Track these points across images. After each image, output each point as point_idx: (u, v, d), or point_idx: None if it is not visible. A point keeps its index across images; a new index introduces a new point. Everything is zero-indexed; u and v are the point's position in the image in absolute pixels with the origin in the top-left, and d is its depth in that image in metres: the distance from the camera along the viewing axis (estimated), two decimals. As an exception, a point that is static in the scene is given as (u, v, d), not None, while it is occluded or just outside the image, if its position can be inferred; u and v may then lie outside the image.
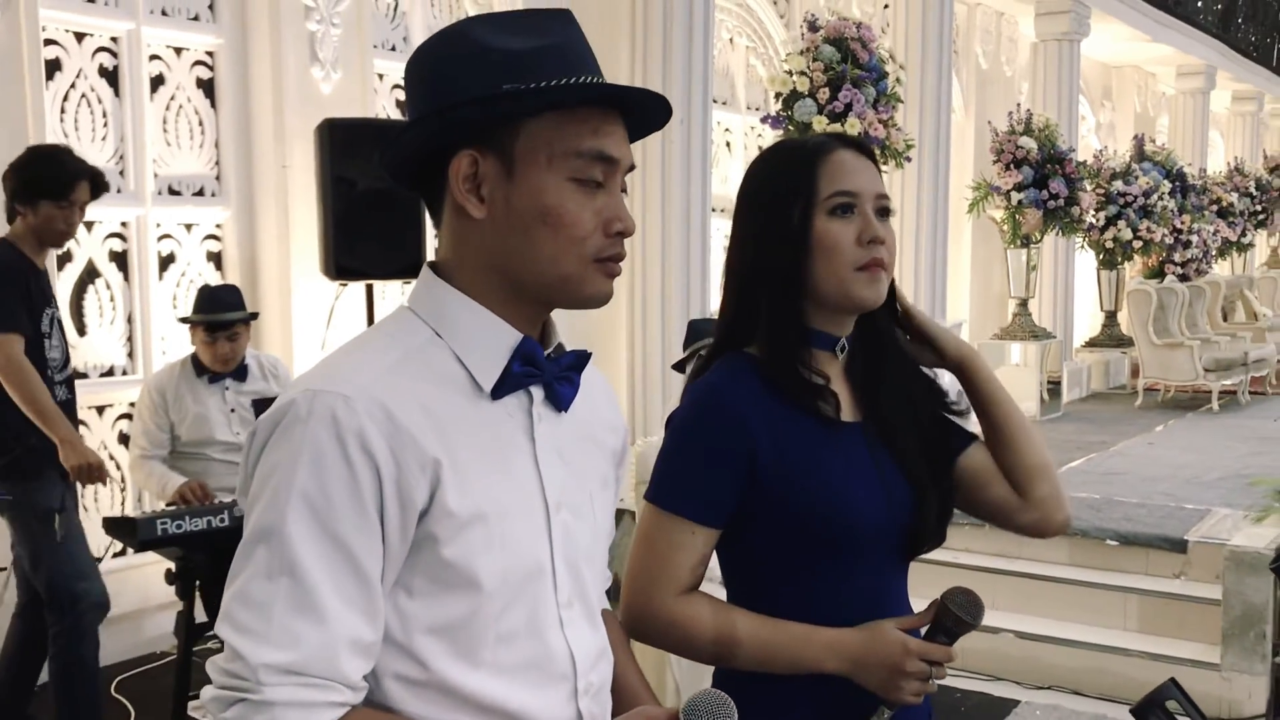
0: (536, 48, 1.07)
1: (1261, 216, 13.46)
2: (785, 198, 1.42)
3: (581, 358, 1.16)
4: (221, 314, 3.68)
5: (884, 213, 1.44)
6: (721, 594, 1.47)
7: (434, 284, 1.12)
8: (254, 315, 3.87)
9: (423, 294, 1.12)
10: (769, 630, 1.39)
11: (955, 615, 1.37)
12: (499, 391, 1.09)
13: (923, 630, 1.41)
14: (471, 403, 1.08)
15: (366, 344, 1.10)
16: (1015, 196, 7.88)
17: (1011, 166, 7.89)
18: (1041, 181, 7.91)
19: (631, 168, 1.14)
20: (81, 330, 4.23)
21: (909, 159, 6.30)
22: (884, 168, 6.25)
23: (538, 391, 1.13)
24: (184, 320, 3.82)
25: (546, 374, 1.12)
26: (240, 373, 3.78)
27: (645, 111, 1.14)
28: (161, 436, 3.72)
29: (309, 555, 0.98)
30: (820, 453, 1.40)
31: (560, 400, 1.14)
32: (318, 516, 0.98)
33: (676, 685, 3.00)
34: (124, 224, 4.33)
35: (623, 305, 5.41)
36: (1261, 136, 15.85)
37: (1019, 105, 8.60)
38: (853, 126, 5.88)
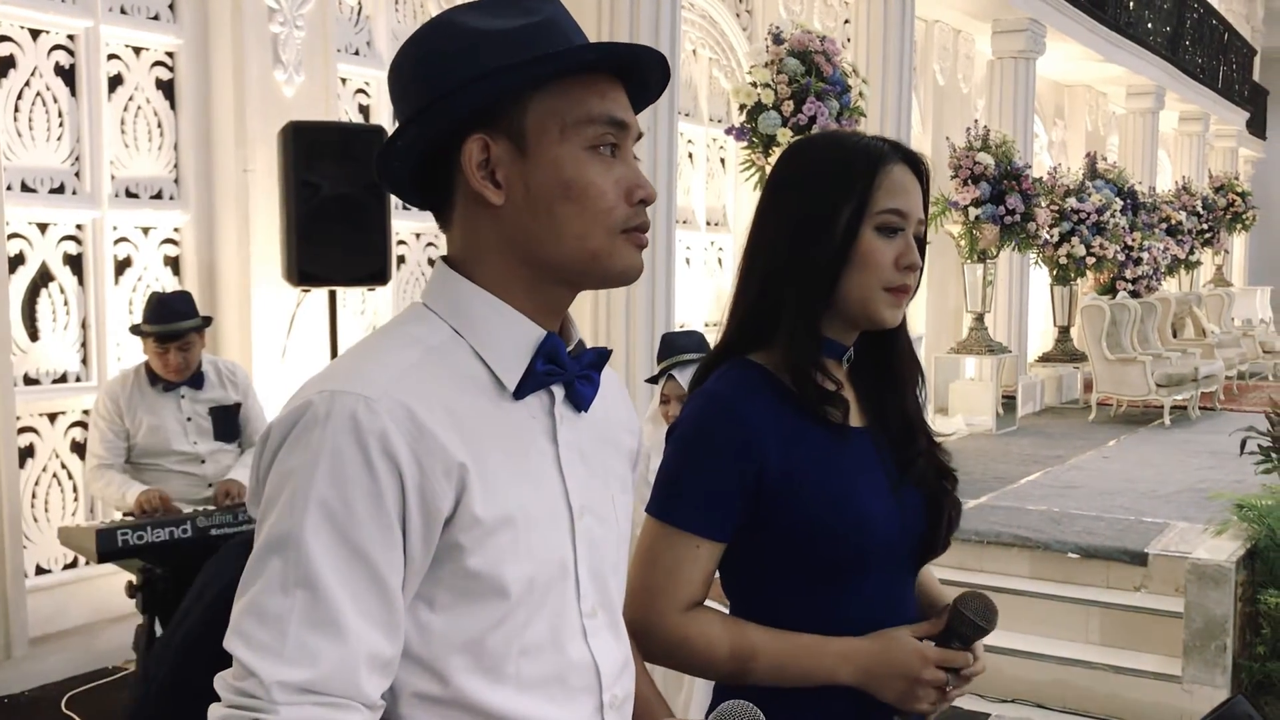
0: (526, 25, 1.03)
1: (1208, 235, 13.71)
2: (837, 199, 1.36)
3: (602, 355, 1.12)
4: (172, 323, 3.57)
5: (919, 238, 1.41)
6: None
7: (451, 279, 1.07)
8: (207, 320, 3.76)
9: (439, 290, 1.07)
10: (780, 642, 1.35)
11: (970, 620, 1.35)
12: (522, 391, 1.05)
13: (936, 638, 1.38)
14: (494, 403, 1.03)
15: (384, 342, 1.04)
16: (973, 212, 7.95)
17: (969, 182, 7.96)
18: (999, 197, 7.98)
19: (640, 135, 1.09)
20: (34, 335, 4.11)
21: (871, 173, 6.31)
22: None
23: (559, 391, 1.08)
24: (134, 330, 3.71)
25: (569, 372, 1.07)
26: (196, 380, 3.68)
27: (644, 76, 1.09)
28: (119, 445, 3.62)
29: (327, 567, 0.92)
30: (831, 462, 1.36)
31: (581, 400, 1.09)
32: (337, 526, 0.93)
33: (688, 695, 2.93)
34: (79, 226, 4.23)
35: (586, 318, 5.36)
36: (1206, 157, 16.14)
37: (976, 121, 8.68)
38: (816, 139, 5.89)
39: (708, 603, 1.39)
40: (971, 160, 7.99)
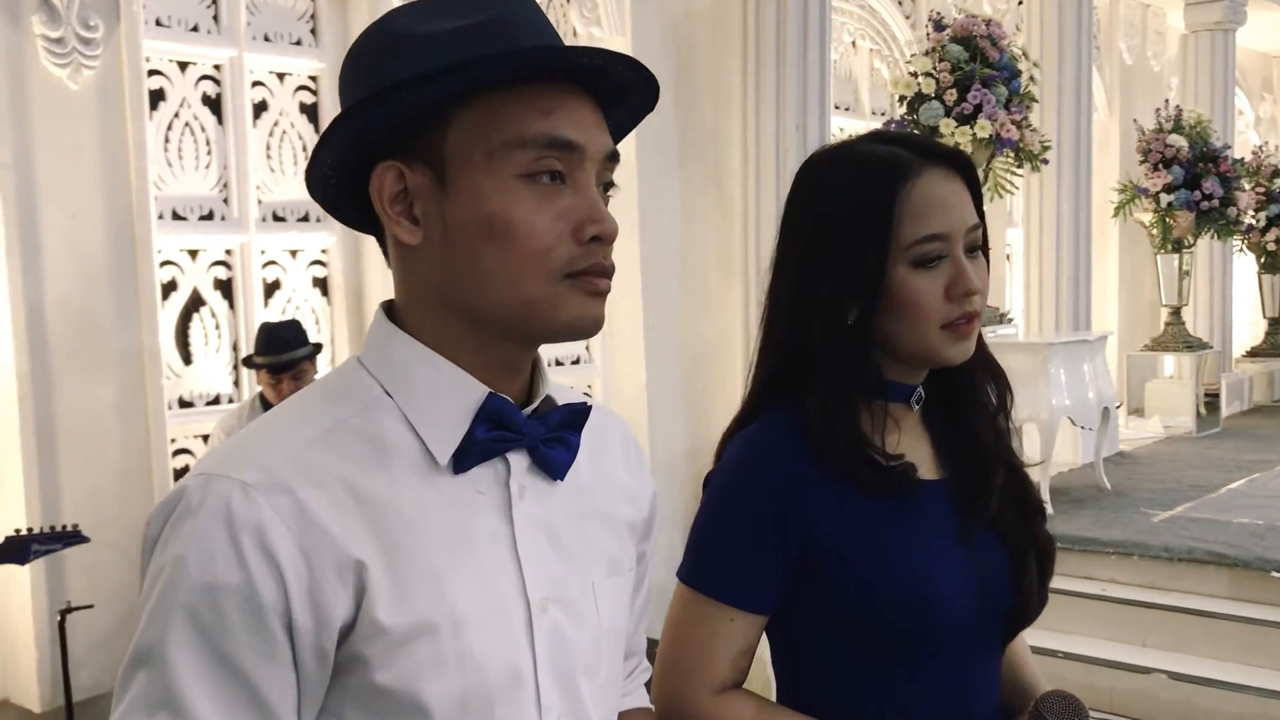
0: (465, 26, 0.86)
1: None
2: (855, 239, 1.14)
3: (576, 413, 0.94)
4: (282, 354, 3.58)
5: (975, 247, 1.18)
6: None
7: (384, 330, 0.92)
8: (318, 348, 3.77)
9: (372, 342, 0.92)
10: None
11: None
12: (461, 463, 0.88)
13: None
14: (425, 480, 0.87)
15: (293, 410, 0.90)
16: (1164, 198, 7.40)
17: (1160, 166, 7.41)
18: (1193, 181, 7.40)
19: (613, 157, 0.90)
20: (187, 359, 4.22)
21: (1045, 161, 5.93)
22: (1019, 171, 5.89)
23: (518, 459, 0.91)
24: (246, 362, 3.75)
25: (527, 437, 0.90)
26: None
27: (620, 86, 0.90)
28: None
29: (194, 686, 0.79)
30: (896, 525, 1.15)
31: (553, 467, 0.92)
32: (206, 637, 0.79)
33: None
34: (228, 251, 4.32)
35: (738, 327, 5.18)
36: None
37: (1167, 101, 8.08)
38: (983, 129, 5.57)
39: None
40: (1162, 143, 7.43)
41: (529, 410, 0.93)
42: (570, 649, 0.92)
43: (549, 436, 0.92)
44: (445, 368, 0.89)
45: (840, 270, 1.15)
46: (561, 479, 0.93)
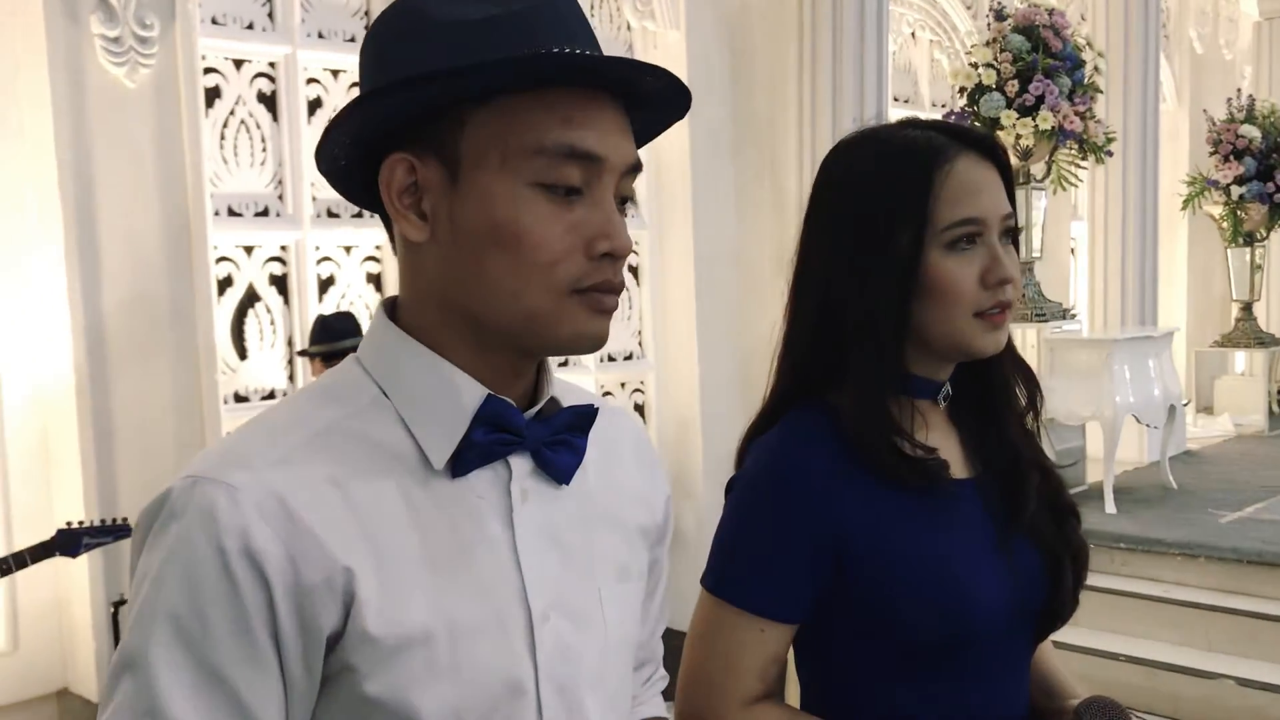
0: (495, 16, 0.83)
1: None
2: (888, 221, 1.12)
3: (583, 415, 0.91)
4: (335, 343, 3.63)
5: (1009, 235, 1.14)
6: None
7: (384, 329, 0.89)
8: None
9: (371, 341, 0.90)
10: None
11: None
12: (460, 467, 0.85)
13: None
14: (421, 484, 0.84)
15: (285, 411, 0.87)
16: (1236, 191, 7.20)
17: (1231, 158, 7.22)
18: (1266, 173, 7.20)
19: (634, 168, 0.86)
20: (242, 354, 4.26)
21: (1110, 153, 5.79)
22: (1083, 164, 5.77)
23: (521, 463, 0.88)
24: (301, 353, 3.80)
25: (530, 440, 0.87)
26: None
27: (650, 94, 0.86)
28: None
29: (177, 695, 0.76)
30: (928, 527, 1.12)
31: (558, 471, 0.89)
32: (190, 645, 0.77)
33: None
34: (283, 248, 4.35)
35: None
36: None
37: (1239, 91, 7.87)
38: (1045, 120, 5.46)
39: None
40: (1233, 134, 7.24)
41: (532, 412, 0.90)
42: (574, 659, 0.88)
43: (553, 439, 0.89)
44: (443, 369, 0.86)
45: (874, 254, 1.12)
46: (567, 483, 0.90)
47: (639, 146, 0.90)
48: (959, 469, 1.16)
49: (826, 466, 1.12)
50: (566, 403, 0.93)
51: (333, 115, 0.86)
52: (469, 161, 0.83)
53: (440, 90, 0.82)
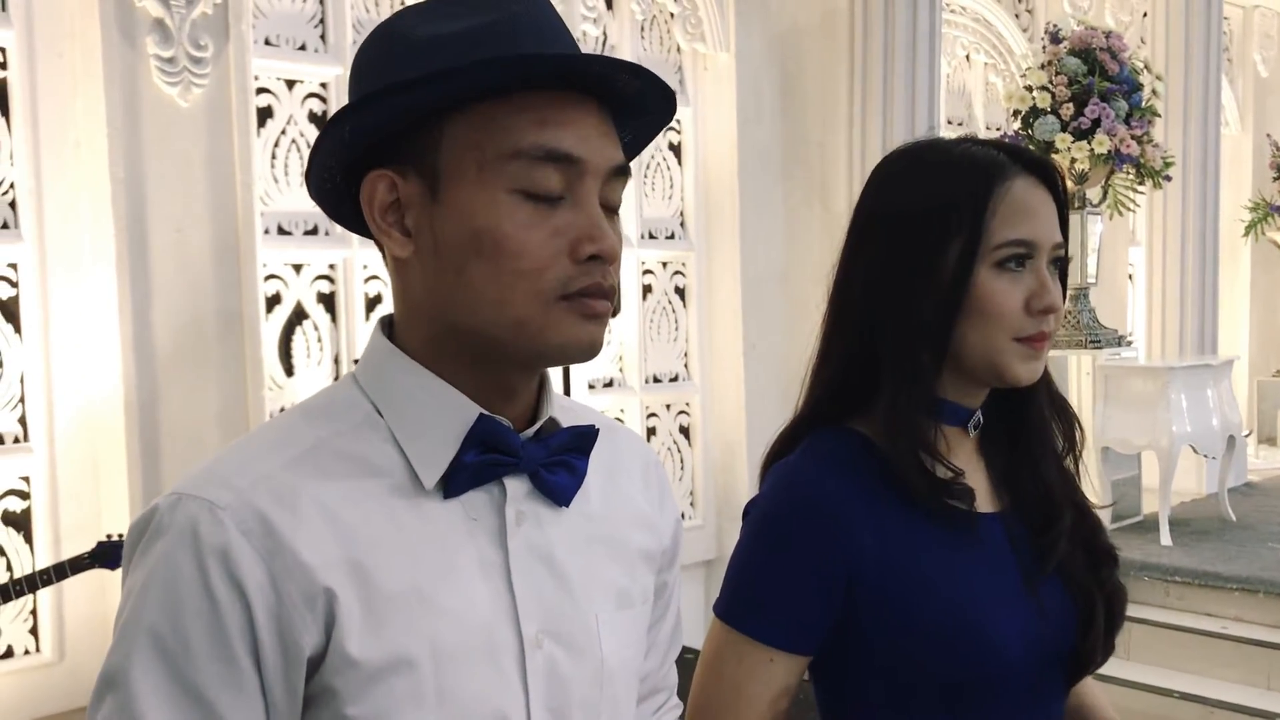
0: (471, 27, 0.82)
1: None
2: (941, 234, 1.09)
3: (582, 436, 0.88)
4: None
5: (1057, 264, 1.11)
6: None
7: (379, 346, 0.88)
8: None
9: (367, 358, 0.89)
10: None
11: None
12: (452, 488, 0.83)
13: None
14: (410, 504, 0.83)
15: (275, 428, 0.87)
16: (1300, 216, 7.05)
17: (1295, 183, 7.07)
18: (1332, 199, 7.05)
19: (621, 171, 0.84)
20: (289, 371, 4.30)
21: (1168, 178, 5.69)
22: (1140, 188, 5.67)
23: (517, 484, 0.86)
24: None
25: (526, 461, 0.85)
26: None
27: (630, 95, 0.84)
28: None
29: (156, 713, 0.76)
30: (949, 563, 1.08)
31: (555, 492, 0.87)
32: (171, 663, 0.76)
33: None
34: (331, 266, 4.39)
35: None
36: None
37: (1304, 115, 7.72)
38: (1101, 144, 5.38)
39: None
40: (1297, 158, 7.09)
41: (530, 432, 0.88)
42: (567, 687, 0.86)
43: (550, 461, 0.87)
44: (437, 387, 0.85)
45: (920, 268, 1.09)
46: (566, 505, 0.88)
47: (635, 154, 0.88)
48: (985, 502, 1.12)
49: (845, 493, 1.09)
50: (568, 423, 0.91)
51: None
52: (448, 173, 0.82)
53: (413, 99, 0.81)
